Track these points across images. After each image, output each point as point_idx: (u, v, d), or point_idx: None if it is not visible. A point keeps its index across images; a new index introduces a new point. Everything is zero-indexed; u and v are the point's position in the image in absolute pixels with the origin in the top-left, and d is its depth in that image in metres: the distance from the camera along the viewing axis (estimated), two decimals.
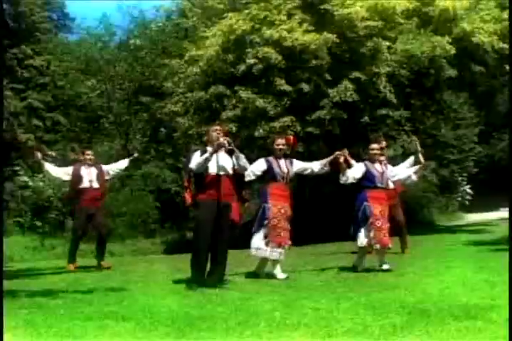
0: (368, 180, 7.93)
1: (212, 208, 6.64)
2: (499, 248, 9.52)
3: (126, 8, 25.39)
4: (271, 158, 7.61)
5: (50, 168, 9.91)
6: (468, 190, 30.87)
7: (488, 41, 14.73)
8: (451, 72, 15.21)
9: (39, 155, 9.68)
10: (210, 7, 16.98)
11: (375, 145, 8.12)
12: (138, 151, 10.68)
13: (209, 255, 6.73)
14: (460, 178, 30.54)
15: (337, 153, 7.64)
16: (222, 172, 6.72)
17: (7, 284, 6.98)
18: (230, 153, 6.64)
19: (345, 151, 7.76)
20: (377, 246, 7.81)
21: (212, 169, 6.68)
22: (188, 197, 6.91)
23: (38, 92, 27.95)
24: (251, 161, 7.26)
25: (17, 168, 22.82)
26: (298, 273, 7.85)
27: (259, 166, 7.58)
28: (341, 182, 7.94)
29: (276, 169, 7.54)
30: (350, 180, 7.94)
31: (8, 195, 21.27)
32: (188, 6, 17.73)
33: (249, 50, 14.49)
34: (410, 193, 20.26)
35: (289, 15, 14.66)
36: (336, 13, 14.25)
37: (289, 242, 7.53)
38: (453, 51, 14.58)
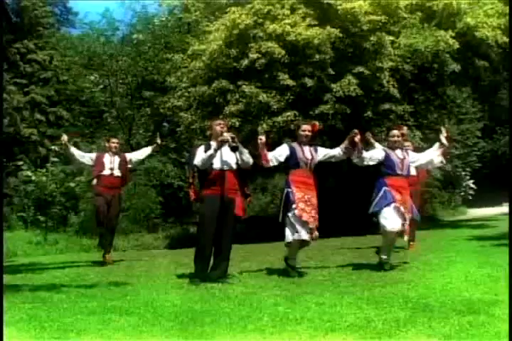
0: (387, 167, 7.50)
1: (216, 203, 6.64)
2: (502, 243, 9.51)
3: (129, 2, 25.39)
4: (294, 144, 7.31)
5: (75, 151, 9.85)
6: (472, 185, 30.88)
7: (492, 36, 14.68)
8: (455, 67, 15.18)
9: (65, 137, 9.64)
10: (213, 1, 16.97)
11: (395, 132, 7.74)
12: (159, 138, 10.50)
13: (213, 250, 6.74)
14: (463, 173, 30.53)
15: (353, 130, 7.32)
16: (226, 168, 6.72)
17: (11, 279, 7.01)
18: (234, 150, 6.61)
19: (356, 131, 7.34)
20: (406, 237, 7.52)
21: (216, 164, 6.68)
22: (192, 192, 6.91)
23: (40, 87, 27.96)
24: (253, 157, 7.18)
25: (20, 163, 22.85)
26: (301, 267, 7.84)
27: (282, 151, 7.26)
28: (355, 161, 7.51)
29: (300, 155, 7.22)
30: (367, 162, 7.53)
31: (12, 190, 21.33)
32: (191, 1, 17.70)
33: (252, 44, 14.47)
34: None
35: (292, 10, 14.63)
36: (339, 7, 14.22)
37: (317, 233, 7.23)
38: (456, 46, 14.53)
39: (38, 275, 8.02)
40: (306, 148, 7.31)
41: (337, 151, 7.52)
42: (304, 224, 7.07)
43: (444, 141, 8.06)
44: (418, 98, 17.21)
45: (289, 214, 7.07)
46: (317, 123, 7.73)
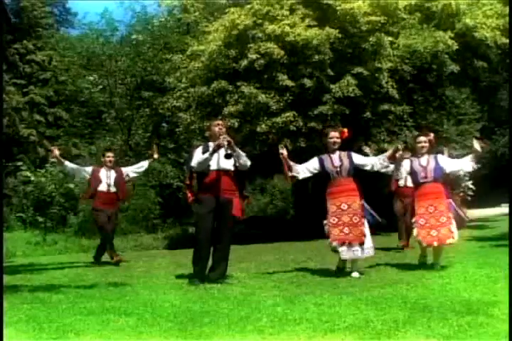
0: (412, 177, 7.65)
1: (211, 203, 6.66)
2: (501, 243, 9.53)
3: (128, 3, 25.38)
4: (324, 156, 7.27)
5: (70, 165, 9.88)
6: (470, 186, 30.83)
7: (491, 36, 14.68)
8: (454, 68, 15.17)
9: (56, 152, 9.62)
10: (212, 2, 16.97)
11: (422, 138, 7.61)
12: (156, 153, 10.52)
13: (211, 250, 6.74)
14: (462, 174, 30.49)
15: (396, 145, 7.36)
16: (222, 170, 6.72)
17: (9, 279, 7.01)
18: (227, 157, 6.56)
19: (400, 146, 7.43)
20: (424, 244, 7.39)
21: (213, 166, 6.70)
22: (189, 194, 6.89)
23: (39, 87, 28.01)
24: (252, 158, 7.19)
25: (19, 163, 22.84)
26: (300, 268, 7.85)
27: (313, 164, 7.29)
28: (396, 177, 7.76)
29: (328, 166, 7.19)
30: (405, 174, 7.78)
31: (11, 190, 21.33)
32: (190, 1, 17.69)
33: (251, 45, 14.46)
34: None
35: (292, 11, 14.62)
36: (338, 8, 14.21)
37: (358, 239, 7.03)
38: (455, 46, 14.53)
39: (37, 276, 8.03)
40: (336, 156, 7.24)
41: (374, 161, 7.40)
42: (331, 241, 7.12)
43: (478, 148, 7.76)
44: (417, 99, 17.21)
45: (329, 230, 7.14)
46: (345, 129, 7.50)
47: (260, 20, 14.56)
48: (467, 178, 30.72)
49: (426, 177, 7.43)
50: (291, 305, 5.03)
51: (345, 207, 7.07)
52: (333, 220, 7.07)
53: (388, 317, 4.42)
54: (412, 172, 7.54)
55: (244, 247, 12.00)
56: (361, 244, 7.01)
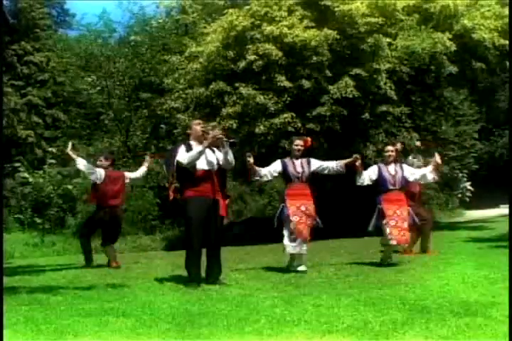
0: (380, 183, 8.15)
1: (203, 205, 6.54)
2: (499, 245, 9.54)
3: (127, 4, 25.40)
4: (287, 159, 7.94)
5: (82, 162, 9.50)
6: (469, 187, 30.87)
7: (489, 37, 14.70)
8: (452, 69, 15.19)
9: (69, 147, 9.51)
10: (210, 3, 16.98)
11: (390, 147, 8.34)
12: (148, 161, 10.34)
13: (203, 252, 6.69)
14: (460, 175, 30.52)
15: (355, 156, 7.90)
16: (211, 168, 6.65)
17: (7, 280, 6.99)
18: (233, 145, 6.61)
19: (358, 156, 7.97)
20: (393, 242, 7.94)
21: (202, 165, 6.59)
22: (171, 192, 6.70)
23: (37, 89, 28.00)
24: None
25: (17, 165, 22.83)
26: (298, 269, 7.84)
27: (276, 167, 7.92)
28: (358, 183, 8.19)
29: (291, 170, 7.84)
30: (367, 182, 8.19)
31: (9, 192, 21.32)
32: (188, 2, 17.72)
33: (249, 46, 14.46)
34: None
35: (290, 12, 14.63)
36: (336, 9, 14.22)
37: (309, 237, 7.81)
38: (453, 47, 14.55)
39: (35, 277, 8.02)
40: (298, 162, 7.92)
41: (331, 165, 8.07)
42: (295, 239, 7.70)
43: (438, 160, 8.55)
44: (415, 100, 17.22)
45: (285, 229, 7.75)
46: (309, 138, 8.30)
47: (258, 22, 14.57)
48: (465, 179, 30.83)
49: (394, 185, 8.11)
50: (290, 307, 5.02)
51: (304, 209, 7.75)
52: (296, 219, 7.67)
53: (387, 319, 4.42)
54: (381, 179, 8.12)
55: (243, 248, 12.00)
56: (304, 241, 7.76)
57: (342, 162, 8.02)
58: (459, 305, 4.81)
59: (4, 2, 24.06)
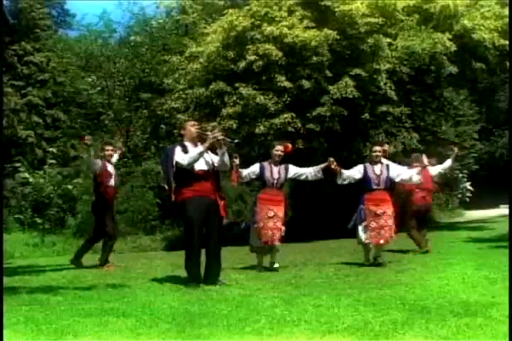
0: (365, 182, 8.24)
1: (203, 205, 6.53)
2: (499, 245, 9.54)
3: (127, 4, 25.40)
4: (266, 164, 8.08)
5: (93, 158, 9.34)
6: (469, 187, 30.86)
7: (489, 38, 14.70)
8: (452, 69, 15.19)
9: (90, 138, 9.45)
10: (211, 3, 16.97)
11: (377, 147, 8.40)
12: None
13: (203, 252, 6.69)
14: (460, 175, 30.53)
15: (329, 159, 8.06)
16: (209, 169, 6.64)
17: (8, 281, 7.00)
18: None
19: (332, 159, 8.09)
20: (371, 243, 8.15)
21: (201, 165, 6.58)
22: (173, 194, 6.63)
23: (37, 89, 27.97)
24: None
25: (17, 165, 22.83)
26: (298, 269, 7.85)
27: (254, 170, 8.10)
28: (338, 183, 8.28)
29: (267, 175, 8.00)
30: (348, 181, 8.29)
31: (9, 192, 21.32)
32: (188, 3, 17.70)
33: (249, 46, 14.46)
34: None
35: (290, 12, 14.63)
36: (336, 9, 14.22)
37: (277, 242, 8.02)
38: (453, 48, 14.55)
39: (35, 278, 8.02)
40: (276, 168, 8.07)
41: (309, 172, 8.26)
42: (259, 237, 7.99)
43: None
44: (415, 100, 17.22)
45: (253, 231, 8.07)
46: (289, 145, 8.44)
47: (258, 22, 14.57)
48: (465, 180, 30.82)
49: (378, 185, 8.19)
50: (290, 307, 5.02)
51: (272, 214, 7.93)
52: (260, 224, 7.93)
53: (387, 319, 4.42)
54: (366, 178, 8.21)
55: (243, 249, 11.97)
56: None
57: (318, 167, 8.19)
58: (459, 306, 4.81)
59: (4, 2, 24.05)
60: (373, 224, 8.06)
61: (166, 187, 6.74)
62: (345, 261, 8.69)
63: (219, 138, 6.50)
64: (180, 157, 6.54)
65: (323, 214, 15.34)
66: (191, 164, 6.51)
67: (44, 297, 5.86)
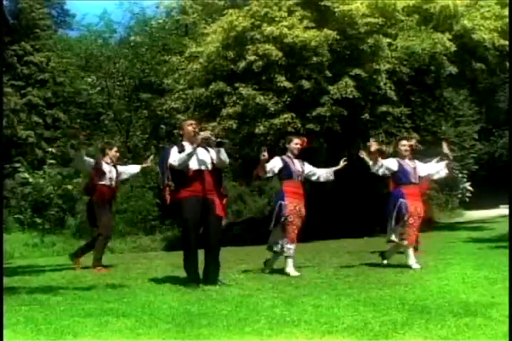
0: (402, 176, 7.85)
1: (198, 205, 6.50)
2: (499, 245, 9.54)
3: (127, 4, 25.41)
4: (285, 157, 7.75)
5: (83, 156, 9.04)
6: (469, 187, 30.89)
7: (489, 38, 14.71)
8: (452, 69, 15.20)
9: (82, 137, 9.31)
10: (211, 4, 16.96)
11: (405, 142, 8.05)
12: (150, 161, 10.16)
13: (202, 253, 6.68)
14: (460, 175, 30.55)
15: (372, 140, 7.79)
16: (203, 168, 6.61)
17: (7, 281, 6.99)
18: (220, 145, 6.56)
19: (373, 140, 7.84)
20: (405, 242, 7.72)
21: (194, 165, 6.55)
22: (168, 195, 6.59)
23: (37, 89, 27.98)
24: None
25: (17, 165, 22.83)
26: (298, 270, 7.84)
27: (276, 164, 7.65)
28: (373, 170, 7.84)
29: (293, 167, 7.66)
30: (383, 170, 7.85)
31: (9, 192, 21.33)
32: (189, 3, 17.70)
33: (249, 46, 14.47)
34: None
35: (290, 12, 14.63)
36: (336, 9, 14.23)
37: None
38: (453, 48, 14.56)
39: (35, 278, 8.01)
40: (296, 161, 7.77)
41: (321, 172, 8.03)
42: (284, 239, 7.55)
43: (447, 152, 8.50)
44: (415, 100, 17.24)
45: (278, 227, 7.61)
46: (305, 138, 8.15)
47: (258, 22, 14.58)
48: (465, 180, 30.84)
49: (415, 179, 7.86)
50: (290, 307, 5.02)
51: (298, 209, 7.57)
52: (290, 219, 7.52)
53: (386, 319, 4.42)
54: (403, 172, 7.82)
55: (243, 249, 11.99)
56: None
57: (331, 170, 7.97)
58: (459, 306, 4.81)
59: (4, 2, 24.06)
60: (411, 221, 7.68)
61: (161, 187, 6.72)
62: (345, 261, 8.68)
63: (205, 138, 6.51)
64: (172, 158, 6.55)
65: (324, 215, 15.34)
66: (182, 165, 6.49)
67: (44, 297, 5.85)
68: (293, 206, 7.52)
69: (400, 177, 7.84)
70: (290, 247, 7.52)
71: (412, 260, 7.60)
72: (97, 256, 8.94)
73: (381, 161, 7.79)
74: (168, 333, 4.21)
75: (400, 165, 7.82)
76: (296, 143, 7.76)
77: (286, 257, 7.57)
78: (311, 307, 4.97)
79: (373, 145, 7.64)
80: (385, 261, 7.98)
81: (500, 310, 4.53)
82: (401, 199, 7.72)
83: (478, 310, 4.61)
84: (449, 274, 6.72)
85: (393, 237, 7.91)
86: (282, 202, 7.54)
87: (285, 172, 7.66)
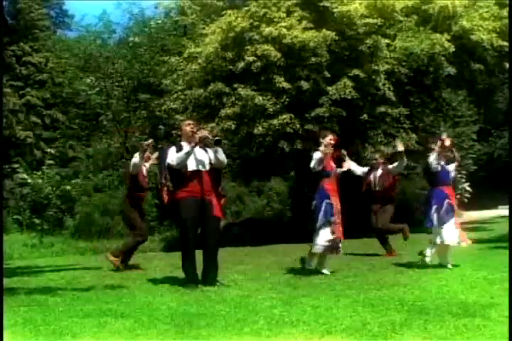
0: (442, 175, 7.86)
1: (195, 206, 6.51)
2: (498, 245, 9.56)
3: (126, 4, 25.37)
4: (322, 154, 7.43)
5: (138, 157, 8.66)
6: (467, 188, 30.87)
7: (488, 39, 14.70)
8: (451, 70, 15.20)
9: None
10: (209, 4, 16.95)
11: (449, 142, 7.91)
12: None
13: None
14: (459, 176, 30.54)
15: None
16: (201, 168, 6.62)
17: (6, 282, 6.99)
18: (217, 143, 6.56)
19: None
20: (464, 243, 7.83)
21: (191, 165, 6.57)
22: (165, 195, 6.61)
23: (36, 89, 28.00)
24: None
25: (16, 166, 22.82)
26: (296, 270, 7.84)
27: (321, 159, 7.39)
28: (434, 165, 7.80)
29: (332, 164, 7.58)
30: (436, 166, 7.82)
31: (8, 193, 21.32)
32: (187, 4, 17.68)
33: (248, 47, 14.46)
34: (409, 191, 20.28)
35: (288, 13, 14.63)
36: (335, 10, 14.23)
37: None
38: (452, 49, 14.55)
39: (34, 278, 8.01)
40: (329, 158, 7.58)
41: (359, 169, 8.57)
42: (335, 238, 7.37)
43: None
44: (414, 101, 17.22)
45: (328, 227, 7.32)
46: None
47: (257, 23, 14.56)
48: (464, 180, 30.83)
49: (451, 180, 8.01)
50: (288, 308, 5.02)
51: (339, 207, 7.47)
52: (338, 217, 7.41)
53: (385, 320, 4.43)
54: (445, 172, 7.88)
55: (241, 249, 11.99)
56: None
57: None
58: (458, 306, 4.82)
59: (3, 3, 24.05)
60: (457, 221, 7.73)
61: (159, 187, 6.72)
62: (343, 262, 8.67)
63: (203, 137, 6.51)
64: (170, 158, 6.58)
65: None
66: (180, 164, 6.51)
67: (42, 298, 5.85)
68: (335, 204, 7.43)
69: (440, 176, 7.85)
70: (339, 245, 7.47)
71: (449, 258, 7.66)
72: (122, 249, 8.78)
73: (441, 158, 7.77)
74: (166, 334, 4.21)
75: (442, 166, 7.84)
76: (330, 138, 7.50)
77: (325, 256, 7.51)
78: (310, 308, 4.97)
79: (400, 146, 7.95)
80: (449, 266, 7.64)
81: (499, 311, 4.54)
82: (446, 200, 7.69)
83: (477, 311, 4.62)
84: (448, 275, 6.74)
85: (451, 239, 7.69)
86: (328, 201, 7.37)
87: (324, 169, 7.46)
